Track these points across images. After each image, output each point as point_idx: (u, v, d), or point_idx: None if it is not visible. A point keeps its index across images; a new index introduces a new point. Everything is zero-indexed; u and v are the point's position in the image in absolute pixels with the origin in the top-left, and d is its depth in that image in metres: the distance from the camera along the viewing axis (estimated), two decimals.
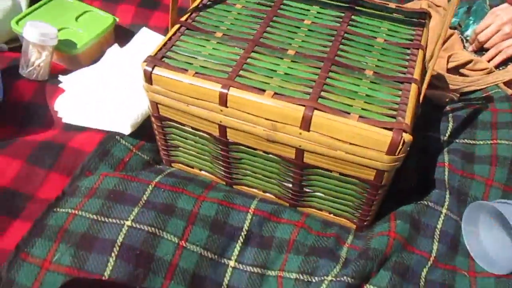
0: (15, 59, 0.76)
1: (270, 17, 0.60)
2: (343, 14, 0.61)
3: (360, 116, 0.48)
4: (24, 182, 0.58)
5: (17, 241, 0.51)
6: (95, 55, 0.79)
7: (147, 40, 0.80)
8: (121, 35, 0.85)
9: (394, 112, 0.48)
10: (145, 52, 0.76)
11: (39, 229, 0.52)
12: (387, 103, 0.50)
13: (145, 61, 0.52)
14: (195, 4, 0.62)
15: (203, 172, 0.65)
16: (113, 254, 0.50)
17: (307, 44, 0.56)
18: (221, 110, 0.51)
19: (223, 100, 0.50)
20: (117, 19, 0.83)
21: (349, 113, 0.48)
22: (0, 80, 0.64)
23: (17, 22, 0.77)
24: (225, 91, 0.49)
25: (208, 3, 0.62)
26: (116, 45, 0.80)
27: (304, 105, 0.48)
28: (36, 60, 0.71)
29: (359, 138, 0.47)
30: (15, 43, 0.81)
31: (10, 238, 0.52)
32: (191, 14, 0.60)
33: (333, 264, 0.53)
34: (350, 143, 0.48)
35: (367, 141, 0.47)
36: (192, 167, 0.65)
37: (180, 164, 0.66)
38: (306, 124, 0.48)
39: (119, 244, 0.51)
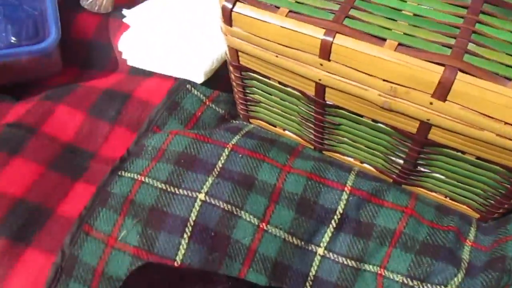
0: None
1: None
2: None
3: None
4: (87, 137, 0.52)
5: (80, 208, 0.45)
6: None
7: None
8: None
9: None
10: None
11: (103, 197, 0.46)
12: None
13: None
14: None
15: (287, 133, 0.54)
16: (185, 235, 0.42)
17: None
18: (322, 65, 0.38)
19: (325, 51, 0.37)
20: None
21: (510, 79, 0.33)
22: (57, 14, 0.55)
23: None
24: (329, 38, 0.36)
25: None
26: None
27: (443, 64, 0.34)
28: None
29: None
30: None
31: (73, 204, 0.47)
32: None
33: (454, 270, 0.41)
34: (507, 123, 0.34)
35: None
36: (275, 126, 0.54)
37: (260, 121, 0.55)
38: (442, 91, 0.34)
39: (191, 223, 0.43)
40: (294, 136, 0.54)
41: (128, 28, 0.61)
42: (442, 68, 0.33)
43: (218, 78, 0.55)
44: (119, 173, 0.48)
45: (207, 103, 0.55)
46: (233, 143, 0.49)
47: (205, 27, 0.57)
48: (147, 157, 0.49)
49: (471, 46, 0.35)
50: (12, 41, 0.52)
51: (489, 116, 0.34)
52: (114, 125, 0.53)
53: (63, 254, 0.42)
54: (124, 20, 0.61)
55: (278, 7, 0.39)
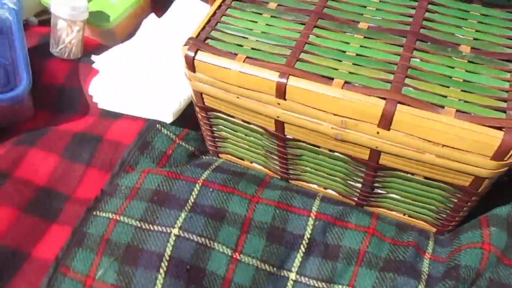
0: (46, 35, 0.69)
1: None
2: None
3: (457, 111, 0.37)
4: (61, 180, 0.53)
5: (56, 250, 0.47)
6: (131, 27, 0.71)
7: (188, 8, 0.70)
8: (158, 2, 0.75)
9: (503, 104, 0.38)
10: (186, 23, 0.68)
11: (79, 238, 0.47)
12: (492, 91, 0.38)
13: (186, 44, 0.43)
14: None
15: (255, 165, 0.57)
16: (161, 270, 0.44)
17: (383, 14, 0.45)
18: (279, 104, 0.42)
19: (281, 92, 0.41)
20: None
21: (443, 107, 0.37)
22: (27, 62, 0.57)
23: None
24: (283, 80, 0.40)
25: None
26: (153, 15, 0.71)
27: (384, 98, 0.38)
28: (67, 37, 0.64)
29: (457, 139, 0.37)
30: (46, 15, 0.74)
31: (49, 246, 0.48)
32: None
33: (415, 283, 0.45)
34: (444, 145, 0.38)
35: (467, 144, 0.37)
36: (243, 159, 0.57)
37: (228, 156, 0.58)
38: (386, 121, 0.38)
39: (167, 258, 0.45)
40: (261, 168, 0.57)
41: (97, 73, 0.63)
42: (384, 101, 0.38)
43: (186, 117, 0.59)
44: (94, 213, 0.49)
45: (177, 141, 0.58)
46: (203, 178, 0.52)
47: (171, 70, 0.60)
48: (121, 196, 0.51)
49: (407, 80, 0.39)
50: None
51: (428, 141, 0.38)
52: (87, 166, 0.55)
53: None
54: (94, 65, 0.64)
55: (236, 54, 0.42)
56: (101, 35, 0.70)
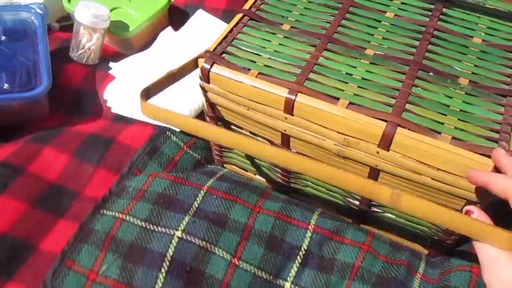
0: (66, 40, 0.73)
1: (345, 8, 0.52)
2: (433, 7, 0.52)
3: (453, 137, 0.40)
4: (71, 177, 0.56)
5: (62, 244, 0.49)
6: (148, 38, 0.74)
7: (204, 24, 0.74)
8: (175, 16, 0.79)
9: (496, 135, 0.40)
10: (201, 37, 0.71)
11: (86, 234, 0.49)
12: (486, 122, 0.41)
13: (202, 57, 0.46)
14: None
15: (257, 177, 0.59)
16: (163, 270, 0.46)
17: (389, 43, 0.48)
18: (286, 118, 0.45)
19: (289, 107, 0.43)
20: (172, 0, 0.77)
21: (439, 133, 0.40)
22: (48, 64, 0.60)
23: (69, 0, 0.73)
24: (292, 97, 0.43)
25: None
26: (170, 28, 0.75)
27: (385, 120, 0.41)
28: (87, 43, 0.68)
29: (451, 164, 0.39)
30: (67, 21, 0.77)
31: (55, 240, 0.50)
32: (255, 2, 0.53)
33: None
34: (439, 169, 0.40)
35: (460, 169, 0.39)
36: (246, 170, 0.60)
37: (233, 166, 0.61)
38: (386, 142, 0.41)
39: (169, 258, 0.47)
40: (264, 180, 0.59)
41: (113, 79, 0.66)
42: (385, 123, 0.40)
43: None
44: (101, 212, 0.51)
45: (185, 148, 0.61)
46: (208, 185, 0.54)
47: (184, 80, 0.63)
48: (128, 197, 0.53)
49: (408, 106, 0.42)
50: (5, 87, 0.56)
51: (424, 163, 0.41)
52: (97, 167, 0.57)
53: (45, 287, 0.45)
54: (110, 71, 0.67)
55: (249, 69, 0.45)
56: (119, 43, 0.73)
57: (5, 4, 0.68)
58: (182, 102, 0.60)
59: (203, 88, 0.48)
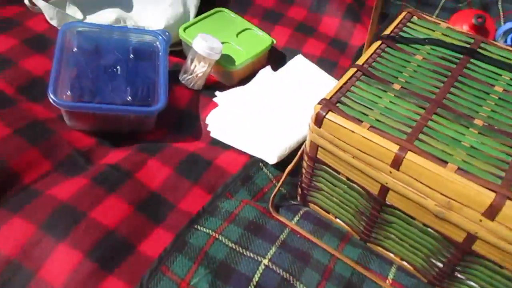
0: (175, 64, 0.80)
1: (454, 76, 0.55)
2: None
3: None
4: (170, 190, 0.60)
5: (159, 250, 0.53)
6: (247, 72, 0.80)
7: (301, 68, 0.79)
8: (273, 55, 0.85)
9: None
10: (297, 80, 0.76)
11: (181, 245, 0.53)
12: None
13: (319, 103, 0.50)
14: (372, 48, 0.58)
15: (338, 220, 0.61)
16: None
17: (498, 116, 0.50)
18: (391, 172, 0.47)
19: (396, 163, 0.46)
20: (275, 41, 0.83)
21: None
22: (166, 85, 0.67)
23: (184, 30, 0.81)
24: (401, 154, 0.45)
25: (386, 48, 0.59)
26: (269, 67, 0.80)
27: (494, 191, 0.42)
28: (197, 71, 0.74)
29: None
30: (176, 47, 0.85)
31: (152, 245, 0.54)
32: (368, 59, 0.57)
33: None
34: None
35: None
36: (328, 212, 0.62)
37: (315, 206, 0.63)
38: (492, 212, 0.42)
39: (254, 283, 0.49)
40: (343, 224, 0.61)
41: (216, 106, 0.72)
42: (494, 194, 0.42)
43: (285, 161, 0.65)
44: (195, 226, 0.55)
45: (274, 181, 0.64)
46: (293, 222, 0.58)
47: (281, 116, 0.67)
48: (220, 217, 0.57)
49: None
50: (128, 99, 0.63)
51: None
52: (194, 184, 0.61)
53: (141, 287, 0.49)
54: (214, 99, 0.73)
55: (361, 121, 0.48)
56: (222, 74, 0.80)
57: (134, 27, 0.77)
58: (279, 138, 0.65)
59: (312, 131, 0.52)
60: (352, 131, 0.48)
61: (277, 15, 0.93)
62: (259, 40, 0.82)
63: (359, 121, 0.49)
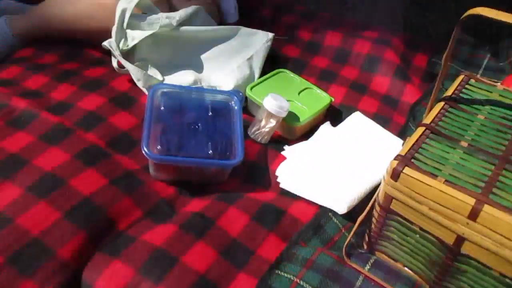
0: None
1: None
2: None
3: None
4: (249, 237, 0.65)
5: None
6: (309, 128, 0.87)
7: (360, 124, 0.85)
8: (331, 111, 0.92)
9: None
10: (356, 135, 0.82)
11: None
12: None
13: (395, 159, 0.55)
14: (437, 109, 0.64)
15: (406, 269, 0.64)
16: None
17: None
18: (468, 223, 0.51)
19: (473, 215, 0.50)
20: (333, 99, 0.90)
21: None
22: (243, 140, 0.73)
23: (250, 89, 0.89)
24: (478, 206, 0.50)
25: (449, 109, 0.64)
26: (328, 123, 0.87)
27: None
28: (266, 126, 0.81)
29: None
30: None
31: None
32: (434, 118, 0.62)
33: None
34: None
35: None
36: (396, 261, 0.65)
37: (383, 254, 0.67)
38: None
39: None
40: (412, 273, 0.64)
41: (284, 159, 0.78)
42: None
43: (353, 211, 0.69)
44: (277, 272, 0.59)
45: (343, 230, 0.68)
46: (366, 270, 0.61)
47: (347, 168, 0.72)
48: (298, 264, 0.61)
49: None
50: (209, 153, 0.70)
51: None
52: (270, 231, 0.66)
53: None
54: (283, 152, 0.79)
55: (436, 176, 0.53)
56: (285, 129, 0.86)
57: (208, 87, 0.86)
58: (348, 189, 0.70)
59: (387, 184, 0.57)
60: (429, 185, 0.53)
61: (332, 74, 1.01)
62: (319, 98, 0.89)
63: (434, 176, 0.53)
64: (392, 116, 0.93)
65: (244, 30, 0.97)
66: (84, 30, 0.93)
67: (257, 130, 0.82)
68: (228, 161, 0.70)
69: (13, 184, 0.63)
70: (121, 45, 0.86)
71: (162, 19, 0.87)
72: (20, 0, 1.07)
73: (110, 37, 0.86)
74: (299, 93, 0.90)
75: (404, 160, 0.55)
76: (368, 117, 0.88)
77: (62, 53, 0.95)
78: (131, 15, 0.85)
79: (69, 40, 0.96)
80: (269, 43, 0.98)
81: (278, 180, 0.75)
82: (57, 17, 0.93)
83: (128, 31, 0.86)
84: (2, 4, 1.01)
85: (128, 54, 0.89)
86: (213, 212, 0.67)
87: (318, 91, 0.91)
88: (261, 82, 0.91)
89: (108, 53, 0.89)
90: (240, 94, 0.81)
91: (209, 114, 0.76)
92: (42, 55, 0.95)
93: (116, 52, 0.84)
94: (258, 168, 0.79)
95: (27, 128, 0.72)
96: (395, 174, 0.55)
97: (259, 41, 0.97)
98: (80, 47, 0.97)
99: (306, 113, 0.85)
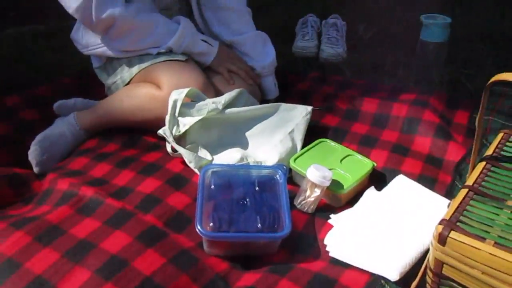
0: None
1: None
2: None
3: None
4: None
5: None
6: (353, 194, 0.88)
7: (405, 187, 0.86)
8: (374, 177, 0.93)
9: None
10: (402, 199, 0.82)
11: None
12: None
13: (441, 224, 0.56)
14: (479, 169, 0.65)
15: None
16: None
17: None
18: None
19: None
20: (375, 164, 0.92)
21: None
22: (289, 212, 0.76)
23: (294, 160, 0.93)
24: None
25: (492, 168, 0.65)
26: (373, 187, 0.88)
27: None
28: (311, 196, 0.84)
29: None
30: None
31: None
32: (477, 179, 0.63)
33: None
34: None
35: None
36: None
37: None
38: None
39: None
40: None
41: (329, 227, 0.80)
42: None
43: (404, 277, 0.68)
44: None
45: None
46: None
47: (396, 234, 0.72)
48: None
49: None
50: (258, 227, 0.73)
51: None
52: None
53: None
54: (329, 221, 0.81)
55: (485, 238, 0.53)
56: (330, 197, 0.89)
57: (254, 164, 0.92)
58: (399, 255, 0.69)
59: (435, 249, 0.57)
60: (478, 248, 0.52)
61: (373, 139, 1.04)
62: (361, 164, 0.92)
63: (482, 238, 0.53)
64: (437, 176, 0.93)
65: (284, 106, 1.04)
66: (141, 120, 1.04)
67: (302, 200, 0.85)
68: (277, 234, 0.73)
69: (82, 268, 0.69)
70: (173, 131, 0.95)
71: (209, 105, 0.96)
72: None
73: (164, 125, 0.96)
74: (341, 161, 0.93)
75: (449, 224, 0.56)
76: (413, 178, 0.89)
77: (122, 142, 1.06)
78: (182, 104, 0.95)
79: (128, 129, 1.07)
80: (309, 116, 1.04)
81: (327, 249, 0.76)
82: (117, 110, 1.06)
83: (180, 119, 0.95)
84: (73, 101, 1.16)
85: (180, 139, 0.97)
86: (266, 285, 0.69)
87: (360, 157, 0.94)
88: (303, 153, 0.96)
89: (163, 138, 0.98)
90: (284, 167, 0.86)
91: (256, 189, 0.81)
92: (105, 144, 1.06)
93: (170, 139, 0.93)
94: (306, 237, 0.81)
95: (95, 214, 0.80)
96: (441, 239, 0.56)
97: (299, 115, 1.03)
98: (138, 135, 1.08)
99: (349, 180, 0.87)
